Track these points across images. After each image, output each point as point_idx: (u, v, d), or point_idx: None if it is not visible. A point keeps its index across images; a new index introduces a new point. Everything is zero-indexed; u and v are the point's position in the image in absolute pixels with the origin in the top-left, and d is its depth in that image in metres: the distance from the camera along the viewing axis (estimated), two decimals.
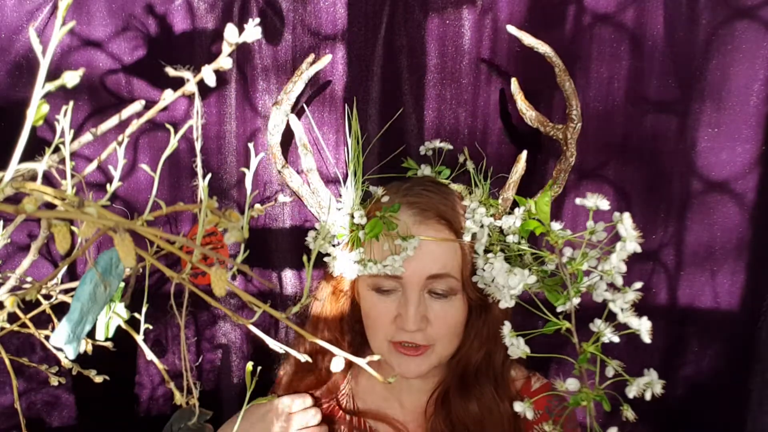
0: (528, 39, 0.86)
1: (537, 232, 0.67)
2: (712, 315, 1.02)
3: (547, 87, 0.93)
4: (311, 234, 0.90)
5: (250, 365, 0.67)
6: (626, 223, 0.62)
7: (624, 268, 0.63)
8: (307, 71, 0.91)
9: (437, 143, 0.95)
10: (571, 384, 0.58)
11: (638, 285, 0.63)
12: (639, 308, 1.05)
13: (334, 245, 0.88)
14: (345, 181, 0.93)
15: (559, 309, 0.64)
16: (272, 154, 0.93)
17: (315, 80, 0.97)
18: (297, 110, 0.99)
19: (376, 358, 0.53)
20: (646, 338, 0.60)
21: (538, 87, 0.95)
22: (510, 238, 0.76)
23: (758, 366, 1.03)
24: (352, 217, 0.87)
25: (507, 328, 0.66)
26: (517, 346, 0.64)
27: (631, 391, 0.57)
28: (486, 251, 0.81)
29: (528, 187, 0.93)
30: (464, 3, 0.94)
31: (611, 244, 0.63)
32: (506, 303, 0.71)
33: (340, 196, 0.93)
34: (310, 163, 0.91)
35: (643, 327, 0.60)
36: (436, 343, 0.83)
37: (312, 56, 0.92)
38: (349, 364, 0.95)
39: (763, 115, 0.95)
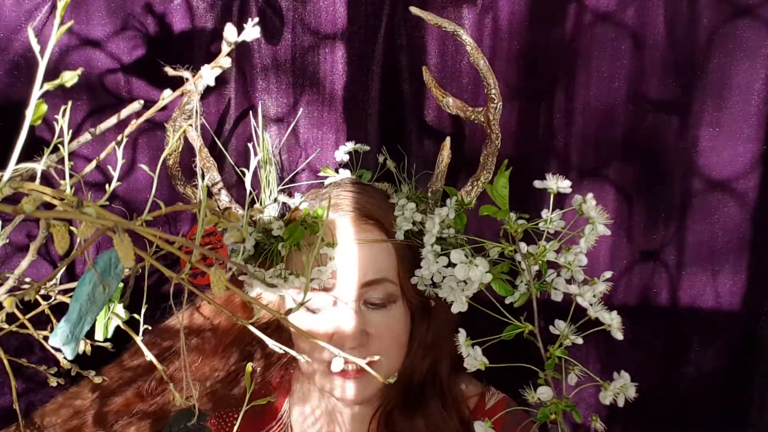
0: (434, 18, 0.81)
1: (498, 217, 0.60)
2: (714, 315, 1.02)
3: (548, 85, 0.93)
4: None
5: (249, 366, 0.67)
6: (590, 204, 0.57)
7: (585, 260, 0.58)
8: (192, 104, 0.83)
9: (352, 145, 0.92)
10: (543, 393, 0.53)
11: (608, 275, 0.58)
12: (639, 308, 1.05)
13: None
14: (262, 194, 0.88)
15: (515, 305, 0.58)
16: (173, 177, 0.87)
17: (314, 79, 0.97)
18: (295, 109, 0.98)
19: (376, 358, 0.52)
20: (618, 335, 0.56)
21: (538, 86, 0.95)
22: (445, 232, 0.69)
23: (759, 366, 1.02)
24: (268, 231, 0.77)
25: (462, 336, 0.59)
26: (474, 357, 0.58)
27: (606, 398, 0.53)
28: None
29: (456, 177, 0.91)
30: (464, 2, 0.94)
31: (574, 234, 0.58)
32: (460, 305, 0.62)
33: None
34: (214, 178, 0.84)
35: (614, 322, 0.56)
36: (381, 358, 0.74)
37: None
38: (286, 391, 0.88)
39: (764, 114, 0.95)
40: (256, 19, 0.41)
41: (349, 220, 0.75)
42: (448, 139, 0.83)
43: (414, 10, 0.81)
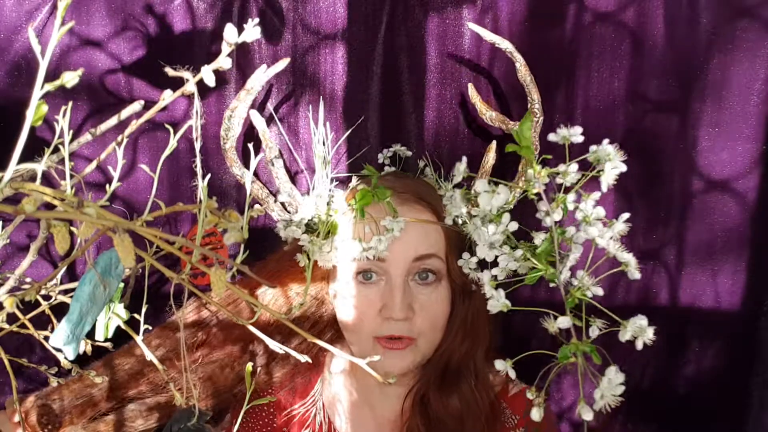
0: (489, 36, 0.88)
1: (522, 154, 0.62)
2: (713, 315, 1.02)
3: (548, 85, 0.93)
4: (281, 223, 0.86)
5: (249, 365, 0.67)
6: (605, 147, 0.58)
7: (603, 212, 0.59)
8: (257, 87, 0.88)
9: (397, 147, 0.95)
10: (562, 322, 0.54)
11: (626, 216, 0.59)
12: (639, 308, 1.05)
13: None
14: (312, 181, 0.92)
15: (537, 251, 0.60)
16: (228, 158, 0.91)
17: (314, 79, 0.97)
18: (296, 110, 0.98)
19: (376, 358, 0.53)
20: (636, 274, 0.57)
21: (537, 86, 0.95)
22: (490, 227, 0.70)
23: (759, 366, 1.03)
24: (328, 204, 0.84)
25: (486, 276, 0.62)
26: (497, 299, 0.60)
27: (626, 335, 0.54)
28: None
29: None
30: (464, 3, 0.94)
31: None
32: (484, 251, 0.64)
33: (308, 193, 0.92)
34: (274, 155, 0.89)
35: (631, 262, 0.57)
36: (419, 337, 0.80)
37: (264, 67, 0.89)
38: (320, 370, 0.92)
39: (763, 114, 0.95)
40: (257, 20, 0.41)
41: (403, 200, 0.81)
42: (494, 143, 0.88)
43: (472, 26, 0.90)
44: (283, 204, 0.92)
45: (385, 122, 0.98)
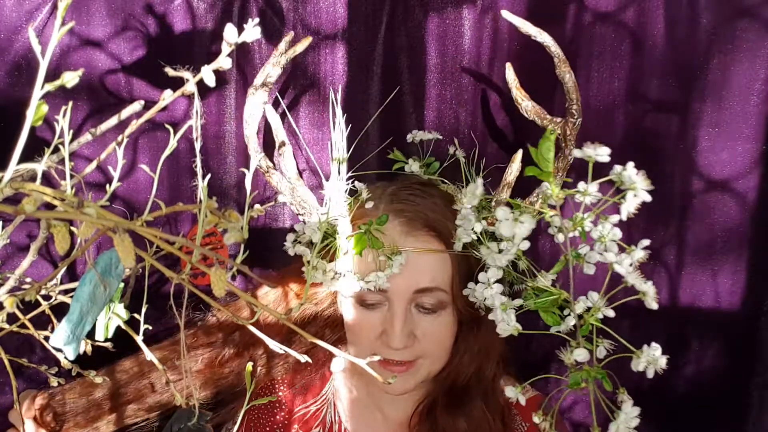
0: (526, 27, 0.82)
1: (542, 179, 0.59)
2: (713, 314, 1.02)
3: (548, 84, 0.93)
4: (290, 237, 0.84)
5: (249, 365, 0.67)
6: (630, 171, 0.55)
7: (619, 233, 0.57)
8: (284, 55, 0.86)
9: (426, 133, 0.92)
10: (580, 355, 0.53)
11: (646, 242, 0.57)
12: (639, 308, 1.05)
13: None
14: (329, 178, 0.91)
15: (551, 272, 0.59)
16: (248, 138, 0.90)
17: (314, 79, 0.97)
18: (293, 109, 0.99)
19: (376, 358, 0.53)
20: (653, 304, 0.56)
21: (536, 85, 0.95)
22: (503, 245, 0.67)
23: (759, 366, 1.03)
24: (332, 225, 0.81)
25: (498, 300, 0.61)
26: (508, 323, 0.59)
27: (639, 365, 0.54)
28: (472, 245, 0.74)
29: (525, 188, 0.90)
30: (464, 2, 0.94)
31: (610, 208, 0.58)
32: (495, 272, 0.63)
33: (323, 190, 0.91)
34: (285, 153, 0.87)
35: (650, 291, 0.56)
36: (423, 358, 0.79)
37: (291, 35, 0.87)
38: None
39: (763, 114, 0.95)
40: (257, 20, 0.41)
41: (411, 229, 0.77)
42: (519, 152, 0.82)
43: (507, 15, 0.83)
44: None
45: (385, 122, 0.98)
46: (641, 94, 0.96)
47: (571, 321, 0.57)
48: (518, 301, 0.62)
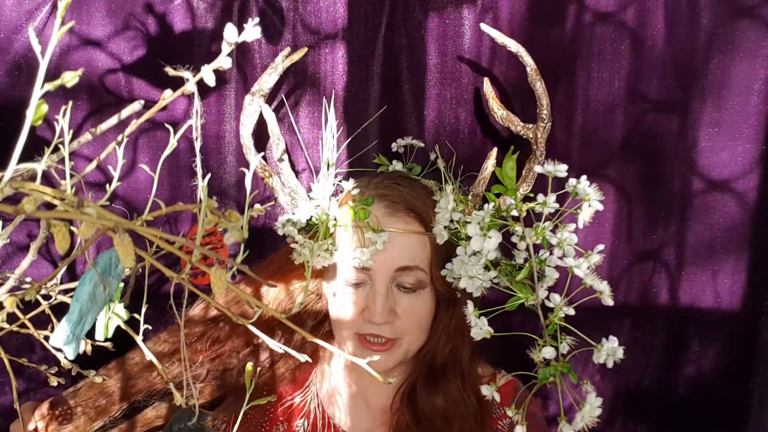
0: (500, 38, 0.88)
1: (507, 195, 0.68)
2: (713, 315, 1.02)
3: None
4: (281, 219, 0.88)
5: (249, 365, 0.67)
6: (584, 184, 0.63)
7: (575, 239, 0.64)
8: (281, 64, 0.91)
9: (410, 140, 0.96)
10: (547, 353, 0.59)
11: (601, 247, 0.64)
12: (639, 308, 1.05)
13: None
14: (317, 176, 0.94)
15: (517, 278, 0.65)
16: (244, 146, 0.93)
17: (314, 79, 0.97)
18: (294, 108, 0.99)
19: (376, 358, 0.53)
20: (609, 301, 0.61)
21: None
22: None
23: (759, 365, 1.02)
24: (323, 207, 0.87)
25: (470, 307, 0.67)
26: (481, 327, 0.65)
27: (600, 357, 0.60)
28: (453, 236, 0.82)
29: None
30: (464, 2, 0.94)
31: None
32: (467, 282, 0.71)
33: (311, 190, 0.93)
34: (281, 154, 0.92)
35: (605, 290, 0.62)
36: (403, 336, 0.83)
37: (287, 50, 0.92)
38: (315, 361, 0.95)
39: (763, 114, 0.95)
40: (257, 19, 0.41)
41: (393, 211, 0.83)
42: (495, 150, 0.90)
43: (484, 27, 0.90)
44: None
45: (385, 122, 0.98)
46: (641, 94, 0.96)
47: (543, 294, 0.64)
48: (492, 273, 0.69)
